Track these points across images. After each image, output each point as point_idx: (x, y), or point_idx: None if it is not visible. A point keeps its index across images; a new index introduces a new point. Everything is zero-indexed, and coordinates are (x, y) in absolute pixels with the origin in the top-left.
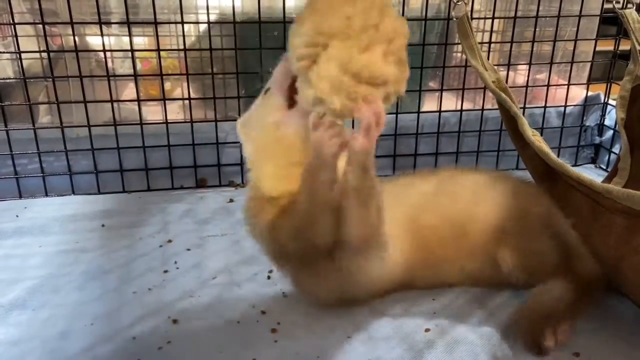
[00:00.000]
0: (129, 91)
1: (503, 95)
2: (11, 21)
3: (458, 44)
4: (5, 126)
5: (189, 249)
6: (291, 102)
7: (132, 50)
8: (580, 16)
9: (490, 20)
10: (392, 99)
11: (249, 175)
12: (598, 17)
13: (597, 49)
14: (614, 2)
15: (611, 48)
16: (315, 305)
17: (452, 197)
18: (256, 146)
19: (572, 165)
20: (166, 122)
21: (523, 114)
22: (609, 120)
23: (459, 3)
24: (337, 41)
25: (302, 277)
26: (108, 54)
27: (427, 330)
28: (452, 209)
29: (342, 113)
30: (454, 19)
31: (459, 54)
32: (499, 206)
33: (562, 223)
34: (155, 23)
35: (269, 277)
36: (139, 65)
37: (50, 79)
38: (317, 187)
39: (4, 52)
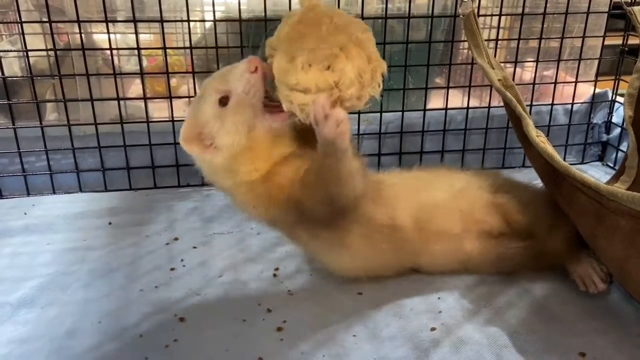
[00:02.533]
0: (135, 88)
1: (509, 94)
2: (18, 19)
3: (464, 41)
4: (13, 124)
5: (195, 247)
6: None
7: (139, 49)
8: (588, 13)
9: (495, 16)
10: (356, 101)
11: (218, 182)
12: (606, 13)
13: (605, 42)
14: None
15: (618, 42)
16: (321, 304)
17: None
18: (230, 150)
19: (579, 163)
20: (172, 120)
21: (530, 111)
22: (616, 118)
23: (466, 0)
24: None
25: (326, 248)
26: (114, 51)
27: (432, 329)
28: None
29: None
30: (461, 16)
31: (465, 51)
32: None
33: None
34: (162, 21)
35: (274, 275)
36: (144, 62)
37: (57, 77)
38: (337, 169)
39: (11, 50)
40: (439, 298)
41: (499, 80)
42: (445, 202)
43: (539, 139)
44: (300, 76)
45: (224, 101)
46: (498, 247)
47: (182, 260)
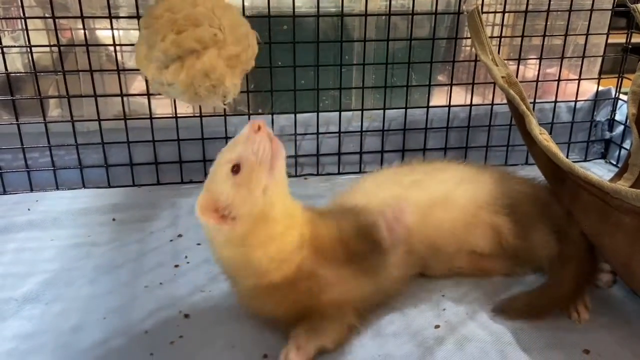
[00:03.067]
0: (137, 84)
1: (512, 92)
2: (21, 15)
3: (467, 38)
4: (16, 120)
5: (199, 244)
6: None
7: None
8: (592, 10)
9: (499, 13)
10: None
11: (225, 265)
12: (609, 11)
13: (608, 41)
14: None
15: (621, 40)
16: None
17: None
18: (247, 222)
19: (582, 161)
20: (176, 117)
21: (533, 108)
22: (619, 116)
23: None
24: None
25: None
26: (117, 47)
27: (437, 326)
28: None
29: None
30: (465, 12)
31: (468, 48)
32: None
33: (552, 203)
34: None
35: None
36: None
37: (61, 73)
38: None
39: (14, 46)
40: (443, 295)
41: (502, 77)
42: (442, 222)
43: (542, 136)
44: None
45: (235, 169)
46: (490, 264)
47: (186, 257)
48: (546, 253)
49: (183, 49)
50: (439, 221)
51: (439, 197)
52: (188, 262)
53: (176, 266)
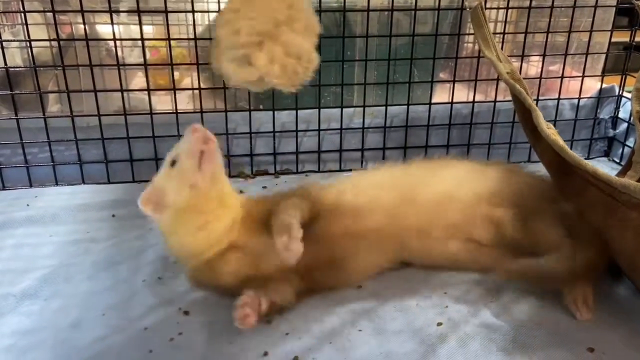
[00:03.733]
0: (137, 80)
1: (518, 87)
2: (21, 9)
3: (470, 34)
4: (16, 115)
5: None
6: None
7: (143, 40)
8: (595, 7)
9: (502, 10)
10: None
11: (168, 248)
12: (614, 8)
13: (611, 40)
14: None
15: (624, 39)
16: (326, 298)
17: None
18: (175, 212)
19: (585, 158)
20: (176, 112)
21: (536, 105)
22: (623, 113)
23: None
24: (282, 29)
25: None
26: (118, 42)
27: (439, 324)
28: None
29: (285, 87)
30: (468, 8)
31: (470, 45)
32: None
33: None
34: (166, 12)
35: None
36: (147, 55)
37: (61, 68)
38: None
39: (14, 40)
40: (445, 293)
41: (507, 73)
42: (439, 215)
43: (550, 131)
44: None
45: (172, 164)
46: (490, 256)
47: None
48: (551, 242)
49: (258, 34)
50: (427, 203)
51: (427, 181)
52: None
53: (175, 262)
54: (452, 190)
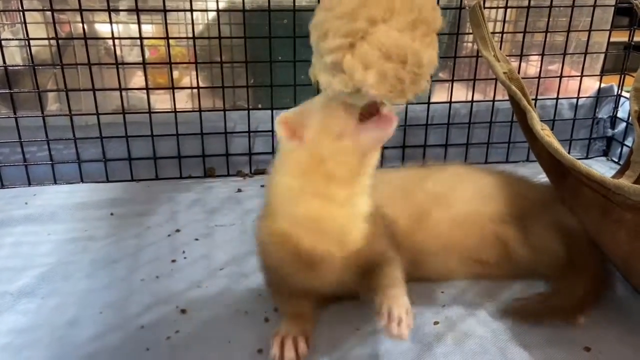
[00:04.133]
0: (136, 79)
1: (513, 87)
2: (20, 7)
3: (469, 33)
4: (14, 113)
5: (197, 239)
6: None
7: (141, 38)
8: (594, 6)
9: (501, 9)
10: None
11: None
12: (612, 8)
13: (610, 39)
14: None
15: (623, 39)
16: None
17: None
18: (308, 150)
19: (584, 158)
20: (175, 111)
21: (535, 105)
22: (621, 113)
23: None
24: (379, 26)
25: None
26: (116, 41)
27: (436, 323)
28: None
29: (387, 99)
30: (466, 7)
31: (469, 44)
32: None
33: (562, 211)
34: (165, 11)
35: None
36: (146, 54)
37: (59, 67)
38: None
39: (13, 39)
40: (442, 292)
41: (504, 73)
42: (445, 233)
43: (544, 132)
44: (425, 51)
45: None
46: (493, 271)
47: (183, 252)
48: (551, 260)
49: (348, 35)
50: (438, 227)
51: (441, 202)
52: (185, 258)
53: (173, 261)
54: (463, 212)
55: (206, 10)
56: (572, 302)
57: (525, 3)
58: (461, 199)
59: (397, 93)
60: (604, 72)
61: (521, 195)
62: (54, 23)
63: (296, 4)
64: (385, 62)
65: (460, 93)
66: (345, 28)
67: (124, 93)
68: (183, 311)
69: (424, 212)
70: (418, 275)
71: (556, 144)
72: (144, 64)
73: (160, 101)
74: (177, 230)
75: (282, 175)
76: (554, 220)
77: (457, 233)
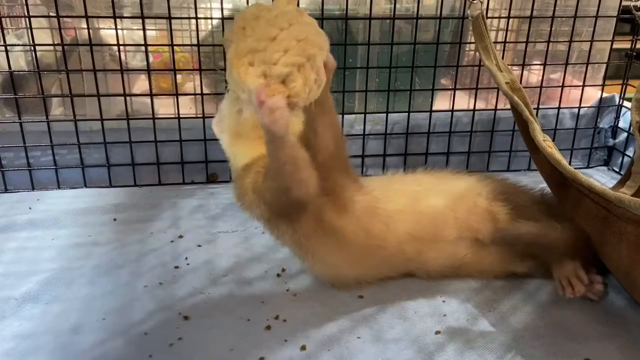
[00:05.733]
0: (140, 83)
1: (516, 98)
2: (26, 13)
3: (471, 42)
4: (19, 118)
5: (199, 245)
6: None
7: (147, 45)
8: (597, 17)
9: (503, 18)
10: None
11: (231, 167)
12: (615, 17)
13: (613, 46)
14: (632, 2)
15: (624, 46)
16: (325, 305)
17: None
18: (229, 134)
19: (585, 168)
20: (178, 117)
21: (536, 114)
22: (623, 123)
23: (475, 1)
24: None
25: (292, 239)
26: (121, 47)
27: (437, 332)
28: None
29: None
30: (469, 17)
31: (471, 53)
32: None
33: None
34: (170, 18)
35: (279, 275)
36: (150, 58)
37: (64, 72)
38: (278, 157)
39: (18, 44)
40: (443, 301)
41: (506, 83)
42: (443, 209)
43: (546, 143)
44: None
45: None
46: (490, 254)
47: (186, 258)
48: (544, 240)
49: (300, 58)
50: (440, 208)
51: (439, 188)
52: (188, 264)
53: (176, 267)
54: (456, 191)
55: (211, 18)
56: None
57: (527, 12)
58: (452, 186)
59: (306, 100)
60: (606, 79)
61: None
62: (60, 29)
63: None
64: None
65: (462, 101)
66: (304, 52)
67: (128, 98)
68: (186, 318)
69: (418, 200)
70: (426, 267)
71: (558, 155)
72: (148, 71)
73: (164, 105)
74: (180, 237)
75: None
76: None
77: (451, 213)
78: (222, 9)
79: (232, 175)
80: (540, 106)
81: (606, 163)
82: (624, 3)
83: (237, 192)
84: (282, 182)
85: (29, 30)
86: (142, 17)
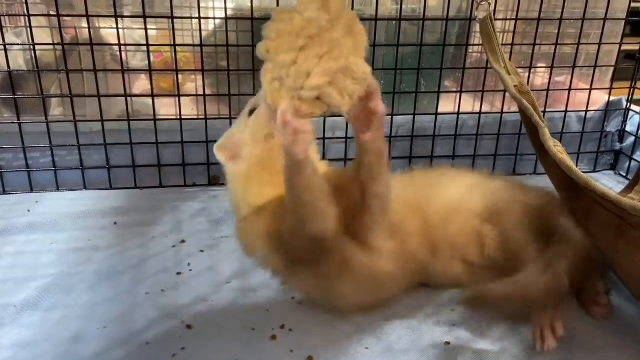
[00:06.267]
0: (140, 83)
1: (525, 102)
2: (25, 12)
3: (477, 45)
4: (18, 118)
5: (202, 250)
6: None
7: (148, 45)
8: (605, 19)
9: (509, 20)
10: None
11: (231, 200)
12: (623, 20)
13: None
14: None
15: (631, 48)
16: (332, 314)
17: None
18: (248, 164)
19: (591, 172)
20: (180, 119)
21: (544, 117)
22: (630, 127)
23: (483, 3)
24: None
25: (311, 283)
26: (122, 47)
27: (447, 343)
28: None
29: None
30: (477, 19)
31: (476, 54)
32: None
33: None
34: (172, 17)
35: (284, 283)
36: (151, 58)
37: (64, 72)
38: (296, 184)
39: (17, 44)
40: (452, 310)
41: (514, 86)
42: (439, 226)
43: (556, 149)
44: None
45: (251, 113)
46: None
47: (189, 264)
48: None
49: (329, 73)
50: (438, 225)
51: (440, 203)
52: (191, 270)
53: (179, 273)
54: (453, 204)
55: (214, 18)
56: (543, 288)
57: (533, 14)
58: (446, 194)
59: (350, 102)
60: (613, 80)
61: (501, 196)
62: (60, 28)
63: None
64: (351, 85)
65: (467, 104)
66: (329, 68)
67: (128, 99)
68: (189, 327)
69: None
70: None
71: (569, 161)
72: (150, 71)
73: (165, 106)
74: (182, 241)
75: (236, 186)
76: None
77: (443, 231)
78: (225, 9)
79: (236, 213)
80: (547, 109)
81: (613, 167)
82: (633, 5)
83: (244, 237)
84: (299, 215)
85: (29, 29)
86: (144, 17)
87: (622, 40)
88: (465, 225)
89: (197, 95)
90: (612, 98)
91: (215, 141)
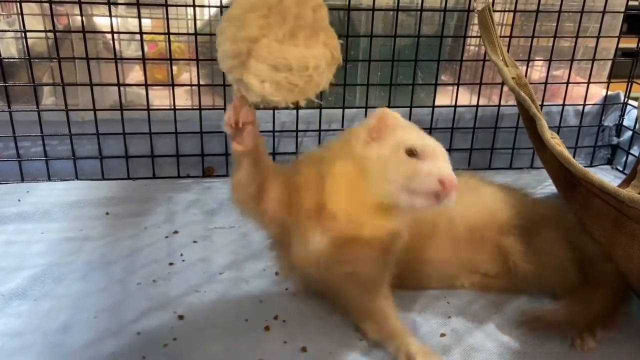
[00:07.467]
0: (134, 74)
1: (522, 94)
2: None
3: (475, 36)
4: (9, 107)
5: (195, 241)
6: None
7: (142, 33)
8: (604, 12)
9: (507, 13)
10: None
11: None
12: (621, 15)
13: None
14: None
15: (628, 45)
16: (325, 305)
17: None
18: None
19: (588, 166)
20: (174, 109)
21: (541, 110)
22: (627, 121)
23: None
24: (261, 42)
25: None
26: (115, 35)
27: (442, 335)
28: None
29: (289, 101)
30: (475, 10)
31: (473, 47)
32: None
33: (572, 227)
34: (166, 5)
35: (277, 273)
36: (145, 48)
37: (56, 60)
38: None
39: (9, 30)
40: (448, 303)
41: (512, 78)
42: (446, 249)
43: (554, 141)
44: (308, 53)
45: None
46: (495, 283)
47: (181, 254)
48: (558, 278)
49: (234, 56)
50: (440, 240)
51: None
52: (183, 260)
53: (171, 264)
54: (467, 220)
55: (208, 7)
56: (587, 317)
57: (531, 7)
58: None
59: (297, 95)
60: (610, 77)
61: (527, 209)
62: (52, 15)
63: None
64: (275, 73)
65: (463, 97)
66: (232, 49)
67: (121, 88)
68: (181, 317)
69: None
70: (418, 285)
71: (567, 153)
72: (143, 60)
73: (158, 97)
74: (175, 232)
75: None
76: (562, 235)
77: (458, 245)
78: None
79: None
80: (545, 103)
81: (610, 161)
82: (630, 3)
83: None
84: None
85: (20, 17)
86: (138, 5)
87: (620, 34)
88: (480, 240)
89: (191, 85)
90: (609, 92)
91: (210, 132)
